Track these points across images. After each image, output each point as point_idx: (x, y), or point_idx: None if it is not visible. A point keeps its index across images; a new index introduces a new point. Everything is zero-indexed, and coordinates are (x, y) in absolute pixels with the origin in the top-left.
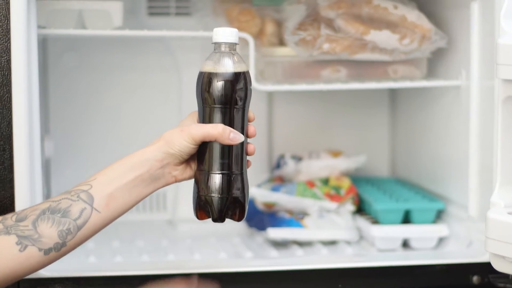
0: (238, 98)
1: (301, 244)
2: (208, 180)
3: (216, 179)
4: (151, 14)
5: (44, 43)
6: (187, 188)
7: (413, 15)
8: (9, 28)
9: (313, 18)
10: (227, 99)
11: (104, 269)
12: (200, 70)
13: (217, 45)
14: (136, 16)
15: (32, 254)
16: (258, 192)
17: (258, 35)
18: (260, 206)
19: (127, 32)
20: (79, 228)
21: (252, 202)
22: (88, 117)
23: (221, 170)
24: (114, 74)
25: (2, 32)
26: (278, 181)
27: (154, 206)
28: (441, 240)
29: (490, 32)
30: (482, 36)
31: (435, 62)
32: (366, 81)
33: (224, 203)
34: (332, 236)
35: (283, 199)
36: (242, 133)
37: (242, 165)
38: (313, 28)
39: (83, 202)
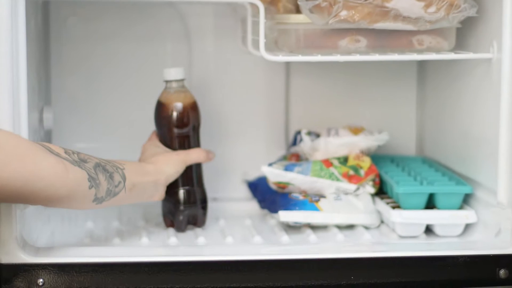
0: (198, 123)
1: (315, 228)
2: (174, 195)
3: (180, 194)
4: None
5: (45, 7)
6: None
7: None
8: None
9: None
10: (194, 125)
11: (92, 255)
12: (165, 105)
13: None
14: None
15: (91, 195)
16: (269, 171)
17: (273, 1)
18: (272, 186)
19: None
20: (114, 194)
21: (265, 181)
22: (93, 87)
23: (182, 186)
24: (121, 43)
25: None
26: (294, 158)
27: None
28: (467, 227)
29: None
30: None
31: (465, 32)
32: (389, 52)
33: (185, 213)
34: (349, 221)
35: (297, 179)
36: None
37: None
38: None
39: (120, 176)
